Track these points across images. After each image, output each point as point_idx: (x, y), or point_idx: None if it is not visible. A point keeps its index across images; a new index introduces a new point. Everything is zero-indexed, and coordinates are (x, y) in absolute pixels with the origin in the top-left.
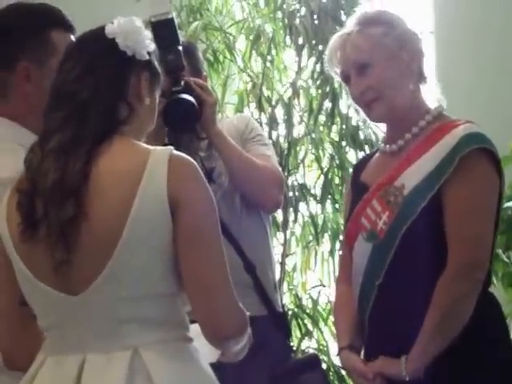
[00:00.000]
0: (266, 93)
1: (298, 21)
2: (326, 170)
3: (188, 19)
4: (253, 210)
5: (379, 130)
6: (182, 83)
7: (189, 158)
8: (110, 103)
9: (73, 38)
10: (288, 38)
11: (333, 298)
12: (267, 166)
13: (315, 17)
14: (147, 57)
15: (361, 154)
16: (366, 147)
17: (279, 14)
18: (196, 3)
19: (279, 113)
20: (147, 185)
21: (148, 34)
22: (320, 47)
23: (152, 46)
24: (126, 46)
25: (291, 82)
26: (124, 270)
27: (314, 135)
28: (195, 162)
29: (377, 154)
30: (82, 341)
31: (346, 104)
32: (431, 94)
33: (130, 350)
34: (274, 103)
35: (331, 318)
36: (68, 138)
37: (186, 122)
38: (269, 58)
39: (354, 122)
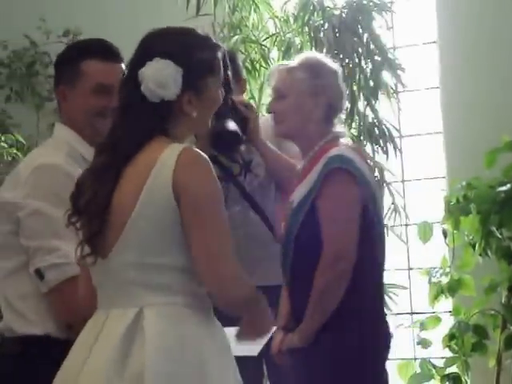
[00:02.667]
0: None
1: (322, 34)
2: None
3: (229, 34)
4: (284, 196)
5: (392, 127)
6: (230, 102)
7: (200, 152)
8: (144, 136)
9: (115, 65)
10: (313, 48)
11: None
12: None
13: (336, 31)
14: (178, 93)
15: (376, 147)
16: (381, 141)
17: (306, 29)
18: (236, 20)
19: None
20: (156, 172)
21: (170, 73)
22: (341, 56)
23: (179, 76)
24: (153, 96)
25: None
26: (132, 240)
27: None
28: (205, 156)
29: None
30: (109, 298)
31: (363, 104)
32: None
33: (136, 308)
34: None
35: None
36: (103, 160)
37: (232, 148)
38: None
39: (370, 120)
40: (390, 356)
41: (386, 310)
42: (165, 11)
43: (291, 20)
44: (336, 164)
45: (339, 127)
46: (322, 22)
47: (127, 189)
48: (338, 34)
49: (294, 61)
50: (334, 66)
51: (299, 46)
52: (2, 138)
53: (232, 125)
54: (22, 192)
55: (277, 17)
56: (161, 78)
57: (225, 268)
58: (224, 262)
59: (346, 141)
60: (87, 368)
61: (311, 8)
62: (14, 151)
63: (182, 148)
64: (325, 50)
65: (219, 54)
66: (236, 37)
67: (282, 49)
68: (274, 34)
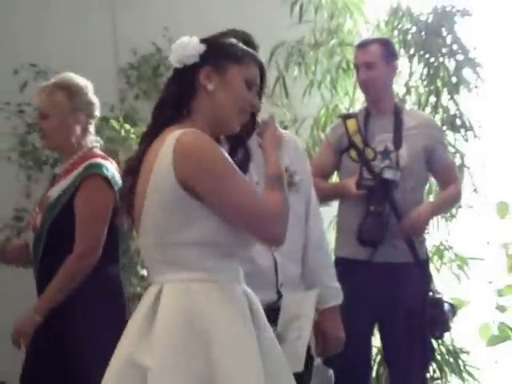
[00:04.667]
0: None
1: (409, 37)
2: None
3: (327, 38)
4: (419, 186)
5: (472, 118)
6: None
7: (194, 135)
8: (172, 105)
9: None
10: (402, 50)
11: None
12: None
13: (423, 33)
14: (195, 59)
15: (457, 136)
16: (462, 130)
17: (395, 32)
18: (333, 26)
19: None
20: (159, 160)
21: (192, 41)
22: (427, 56)
23: (201, 48)
24: (174, 61)
25: (405, 83)
26: (148, 224)
27: None
28: (199, 139)
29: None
30: (150, 275)
31: (447, 98)
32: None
33: (159, 285)
34: None
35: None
36: (148, 127)
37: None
38: None
39: (452, 112)
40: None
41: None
42: (271, 18)
43: (382, 25)
44: (92, 171)
45: (92, 135)
46: (409, 26)
47: (142, 174)
48: (424, 37)
49: (51, 83)
50: (85, 81)
51: None
52: (132, 131)
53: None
54: None
55: (369, 22)
56: (182, 43)
57: (257, 219)
58: (255, 214)
59: (98, 151)
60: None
61: (400, 14)
62: None
63: (178, 135)
64: (412, 51)
65: (252, 60)
66: (333, 40)
67: None
68: None
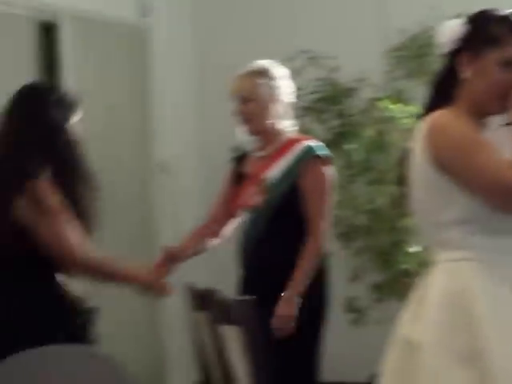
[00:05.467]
0: None
1: None
2: None
3: None
4: None
5: None
6: None
7: (440, 116)
8: (437, 90)
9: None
10: None
11: None
12: None
13: None
14: (456, 44)
15: None
16: None
17: None
18: None
19: None
20: (416, 143)
21: (453, 26)
22: None
23: (461, 32)
24: (439, 45)
25: None
26: (415, 206)
27: None
28: (444, 117)
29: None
30: (429, 255)
31: None
32: (287, 126)
33: (432, 265)
34: None
35: None
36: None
37: None
38: None
39: None
40: None
41: None
42: None
43: None
44: (313, 153)
45: (289, 118)
46: None
47: (410, 158)
48: None
49: (250, 69)
50: (281, 68)
51: None
52: (400, 111)
53: None
54: None
55: None
56: (445, 28)
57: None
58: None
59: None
60: None
61: None
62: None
63: (429, 118)
64: None
65: None
66: None
67: None
68: None
